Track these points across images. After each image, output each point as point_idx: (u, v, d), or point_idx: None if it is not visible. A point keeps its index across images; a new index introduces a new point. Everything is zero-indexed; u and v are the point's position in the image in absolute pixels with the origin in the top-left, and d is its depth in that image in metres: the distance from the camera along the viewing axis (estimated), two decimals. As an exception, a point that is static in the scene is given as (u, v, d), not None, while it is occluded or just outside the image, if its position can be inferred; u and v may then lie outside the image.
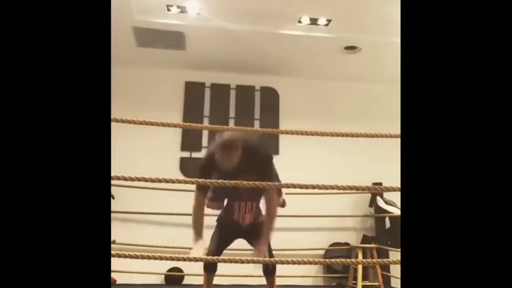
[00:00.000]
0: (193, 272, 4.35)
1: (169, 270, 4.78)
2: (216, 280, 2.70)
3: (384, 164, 5.05)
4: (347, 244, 5.16)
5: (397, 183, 1.60)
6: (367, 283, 4.68)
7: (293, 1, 4.08)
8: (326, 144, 4.73)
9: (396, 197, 4.79)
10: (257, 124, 5.44)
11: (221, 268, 2.62)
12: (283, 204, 2.92)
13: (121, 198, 4.68)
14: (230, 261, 2.00)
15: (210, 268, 2.60)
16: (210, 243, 2.62)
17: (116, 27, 4.00)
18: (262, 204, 2.66)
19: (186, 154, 5.29)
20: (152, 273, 4.64)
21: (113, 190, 4.37)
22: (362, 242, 5.12)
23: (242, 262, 1.98)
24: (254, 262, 2.18)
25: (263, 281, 2.81)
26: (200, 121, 5.32)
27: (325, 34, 4.57)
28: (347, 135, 2.28)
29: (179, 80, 5.47)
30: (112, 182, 3.10)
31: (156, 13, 4.29)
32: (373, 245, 4.75)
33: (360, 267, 4.53)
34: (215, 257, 2.40)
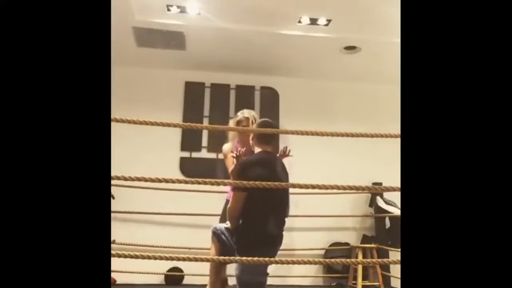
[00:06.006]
0: (193, 272, 4.35)
1: (169, 270, 4.78)
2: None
3: (384, 164, 5.04)
4: (347, 244, 5.15)
5: (397, 183, 1.59)
6: (367, 283, 4.68)
7: (293, 1, 4.07)
8: (326, 144, 4.72)
9: (396, 197, 4.79)
10: (257, 124, 5.43)
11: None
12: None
13: (121, 198, 4.67)
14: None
15: None
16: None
17: (116, 27, 4.00)
18: None
19: (186, 154, 5.29)
20: (152, 273, 4.63)
21: (113, 190, 4.36)
22: (362, 242, 5.12)
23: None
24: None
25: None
26: (200, 121, 5.32)
27: (325, 34, 4.56)
28: (347, 135, 2.28)
29: (179, 80, 5.47)
30: (112, 182, 3.09)
31: (156, 13, 4.29)
32: (373, 245, 4.75)
33: (360, 267, 4.52)
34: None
